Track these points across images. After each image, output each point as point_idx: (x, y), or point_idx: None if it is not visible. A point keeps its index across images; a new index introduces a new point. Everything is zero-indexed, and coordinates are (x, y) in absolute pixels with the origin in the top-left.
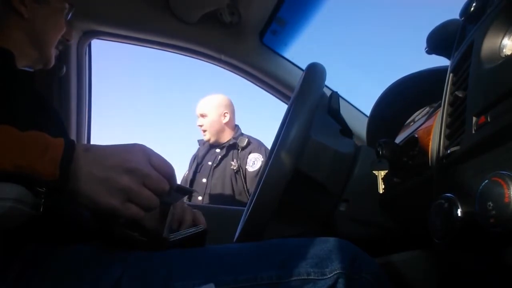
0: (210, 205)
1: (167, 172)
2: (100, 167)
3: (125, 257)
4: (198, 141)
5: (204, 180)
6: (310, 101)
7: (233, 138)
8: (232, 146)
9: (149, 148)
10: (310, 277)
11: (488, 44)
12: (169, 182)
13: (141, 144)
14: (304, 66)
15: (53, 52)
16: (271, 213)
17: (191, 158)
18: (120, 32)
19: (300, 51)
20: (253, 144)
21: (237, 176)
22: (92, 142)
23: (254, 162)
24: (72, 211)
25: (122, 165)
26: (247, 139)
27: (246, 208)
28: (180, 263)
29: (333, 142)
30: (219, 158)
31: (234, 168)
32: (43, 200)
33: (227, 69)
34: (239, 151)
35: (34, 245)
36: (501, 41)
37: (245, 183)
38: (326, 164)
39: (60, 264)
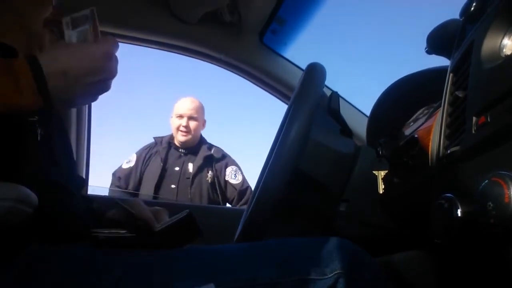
0: (211, 205)
1: None
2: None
3: (125, 257)
4: (155, 138)
5: (173, 186)
6: (310, 101)
7: (208, 148)
8: (208, 158)
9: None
10: (310, 277)
11: (488, 44)
12: None
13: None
14: (304, 66)
15: (44, 33)
16: (271, 213)
17: (142, 152)
18: (120, 32)
19: (300, 51)
20: (228, 157)
21: (213, 187)
22: (91, 142)
23: (236, 174)
24: (72, 211)
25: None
26: (221, 152)
27: (246, 208)
28: (180, 263)
29: (333, 142)
30: (195, 168)
31: (209, 179)
32: (39, 129)
33: (227, 69)
34: (215, 163)
35: (34, 245)
36: (501, 41)
37: (226, 193)
38: (326, 164)
39: (60, 264)
